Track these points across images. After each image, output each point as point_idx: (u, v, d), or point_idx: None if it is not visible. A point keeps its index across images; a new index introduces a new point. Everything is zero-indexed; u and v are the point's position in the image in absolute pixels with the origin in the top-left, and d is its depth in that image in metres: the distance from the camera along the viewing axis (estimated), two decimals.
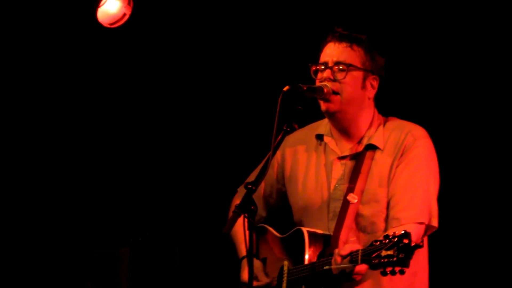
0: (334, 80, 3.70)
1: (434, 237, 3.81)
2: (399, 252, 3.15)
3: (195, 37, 5.81)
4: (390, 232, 3.26)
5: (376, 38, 3.81)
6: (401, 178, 3.65)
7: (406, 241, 3.14)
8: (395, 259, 3.15)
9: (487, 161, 4.96)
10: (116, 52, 5.88)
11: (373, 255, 3.24)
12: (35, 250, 5.97)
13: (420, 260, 3.73)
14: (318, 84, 3.73)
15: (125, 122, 6.06)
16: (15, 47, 5.83)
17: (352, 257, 3.36)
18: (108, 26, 5.29)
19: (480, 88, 4.99)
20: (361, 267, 3.38)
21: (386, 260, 3.18)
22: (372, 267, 3.25)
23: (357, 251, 3.34)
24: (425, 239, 3.75)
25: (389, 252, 3.18)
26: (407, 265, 3.15)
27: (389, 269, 3.18)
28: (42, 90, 6.01)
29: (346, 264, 3.39)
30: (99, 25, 5.30)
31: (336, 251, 3.45)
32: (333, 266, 3.44)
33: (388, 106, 3.91)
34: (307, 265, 3.59)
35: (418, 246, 3.15)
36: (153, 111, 6.01)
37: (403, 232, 3.17)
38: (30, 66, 5.93)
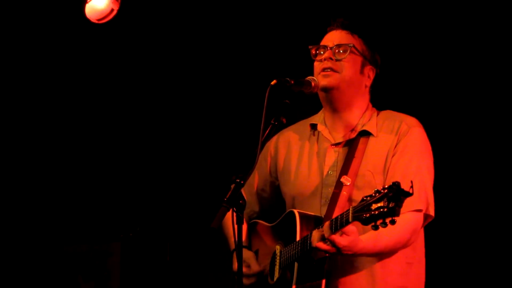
0: (335, 60, 3.75)
1: (433, 229, 3.83)
2: (389, 202, 3.11)
3: (183, 32, 5.81)
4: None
5: (372, 36, 3.87)
6: (398, 168, 3.65)
7: (394, 189, 3.11)
8: (385, 209, 3.11)
9: (483, 154, 4.94)
10: (104, 48, 5.88)
11: (364, 210, 3.21)
12: (25, 246, 5.97)
13: (417, 251, 3.74)
14: (316, 65, 3.79)
15: (114, 118, 6.05)
16: (2, 44, 5.82)
17: (344, 217, 3.33)
18: (96, 21, 5.28)
19: (473, 83, 5.00)
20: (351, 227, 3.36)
21: (377, 212, 3.14)
22: (363, 222, 3.20)
23: (348, 210, 3.31)
24: (422, 231, 3.75)
25: (379, 204, 3.14)
26: (397, 214, 3.09)
27: (379, 221, 3.14)
28: (30, 87, 6.00)
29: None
30: (87, 20, 5.28)
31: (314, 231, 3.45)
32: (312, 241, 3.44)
33: (383, 102, 3.94)
34: (297, 242, 3.59)
35: (409, 193, 3.09)
36: (141, 107, 6.01)
37: (392, 182, 3.14)
38: (17, 63, 5.92)
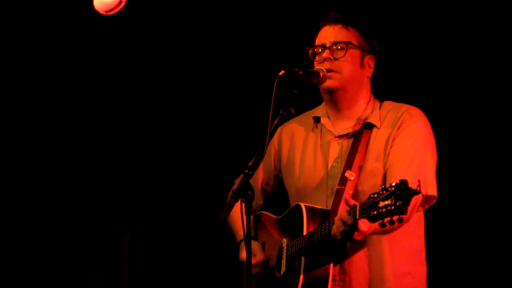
0: (334, 60, 3.74)
1: (432, 222, 3.85)
2: (396, 200, 3.10)
3: (190, 24, 5.81)
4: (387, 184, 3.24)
5: (367, 22, 3.85)
6: (398, 150, 3.67)
7: (403, 187, 3.10)
8: (393, 207, 3.11)
9: (481, 149, 4.95)
10: (113, 39, 5.88)
11: (372, 207, 3.20)
12: (35, 239, 5.99)
13: (420, 240, 3.78)
14: (316, 65, 3.78)
15: (123, 112, 6.07)
16: (11, 36, 5.83)
17: (351, 214, 3.33)
18: (105, 13, 5.29)
19: (475, 77, 4.99)
20: (361, 223, 3.35)
21: (384, 210, 3.14)
22: (371, 219, 3.21)
23: (355, 206, 3.31)
24: (422, 219, 3.78)
25: (387, 202, 3.13)
26: (404, 212, 3.09)
27: (387, 219, 3.14)
28: (37, 80, 6.02)
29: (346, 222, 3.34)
30: (95, 12, 5.29)
31: (336, 218, 3.42)
32: (333, 231, 3.42)
33: (384, 92, 3.93)
34: (305, 236, 3.60)
35: (416, 192, 3.08)
36: (150, 101, 6.02)
37: (399, 181, 3.13)
38: (26, 55, 5.94)
